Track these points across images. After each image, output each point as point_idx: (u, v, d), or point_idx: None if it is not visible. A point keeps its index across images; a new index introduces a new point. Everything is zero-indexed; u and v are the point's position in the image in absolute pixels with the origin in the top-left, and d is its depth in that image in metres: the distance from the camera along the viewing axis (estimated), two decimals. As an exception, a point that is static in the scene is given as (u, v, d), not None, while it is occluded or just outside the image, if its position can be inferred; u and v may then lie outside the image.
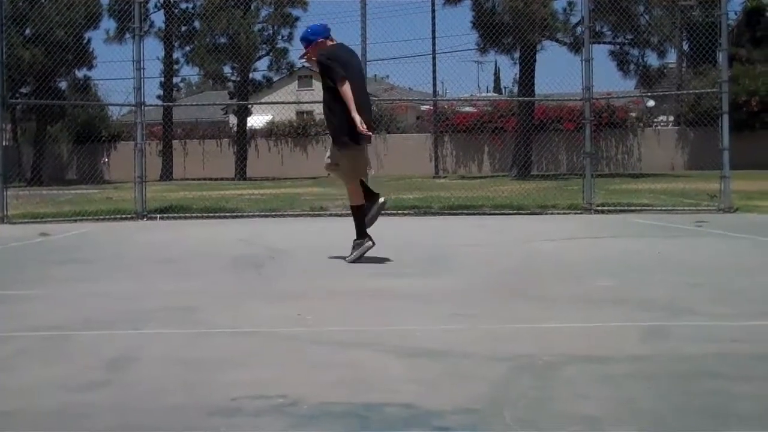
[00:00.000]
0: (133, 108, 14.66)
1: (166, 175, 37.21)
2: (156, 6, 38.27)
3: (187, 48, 38.56)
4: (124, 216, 14.11)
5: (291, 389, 3.58)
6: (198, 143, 41.13)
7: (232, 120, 42.07)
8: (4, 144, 13.79)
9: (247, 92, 37.37)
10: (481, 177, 30.42)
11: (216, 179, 33.52)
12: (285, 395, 3.49)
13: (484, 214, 14.21)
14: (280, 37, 37.94)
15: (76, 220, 13.72)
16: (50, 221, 13.54)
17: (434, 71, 34.72)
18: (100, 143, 37.80)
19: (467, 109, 38.23)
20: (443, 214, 14.22)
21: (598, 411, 3.27)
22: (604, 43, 29.40)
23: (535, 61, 29.33)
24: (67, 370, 4.02)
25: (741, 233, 10.41)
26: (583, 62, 14.33)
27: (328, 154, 8.23)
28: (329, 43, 8.18)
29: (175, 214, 14.45)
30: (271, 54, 38.10)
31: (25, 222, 13.49)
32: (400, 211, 14.26)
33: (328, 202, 15.40)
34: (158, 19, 37.94)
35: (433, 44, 35.02)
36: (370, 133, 7.90)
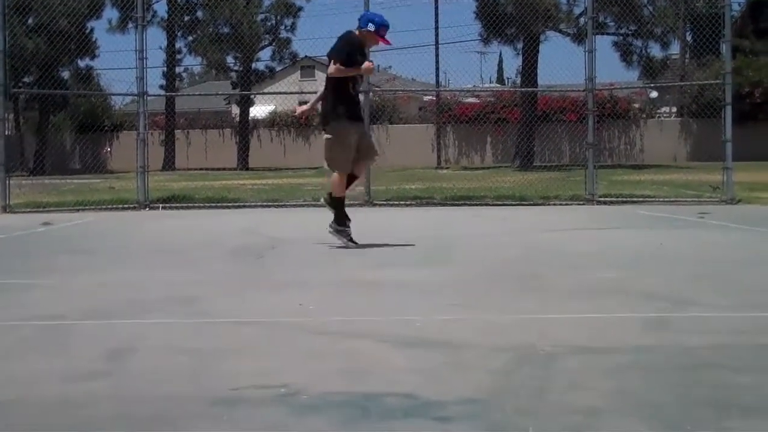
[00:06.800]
0: (136, 98, 14.65)
1: (169, 165, 37.15)
2: (158, -5, 38.23)
3: (190, 38, 38.44)
4: (126, 206, 14.11)
5: (292, 379, 3.59)
6: (200, 133, 41.07)
7: (235, 110, 42.00)
8: (6, 134, 13.78)
9: (249, 82, 37.32)
10: (483, 168, 30.36)
11: (218, 169, 33.47)
12: (286, 385, 3.50)
13: (487, 205, 14.19)
14: (282, 27, 37.86)
15: (78, 210, 13.72)
16: (53, 210, 13.54)
17: (437, 62, 34.70)
18: (103, 133, 37.74)
19: (470, 99, 38.16)
20: (445, 205, 14.20)
21: (600, 402, 3.28)
22: (608, 34, 29.34)
23: (538, 51, 29.29)
24: (69, 360, 4.03)
25: (743, 225, 10.40)
26: (587, 53, 14.32)
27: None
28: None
29: (178, 204, 14.45)
30: (273, 44, 38.02)
31: (28, 211, 13.51)
32: (402, 202, 14.26)
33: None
34: (161, 8, 37.71)
35: (436, 35, 34.99)
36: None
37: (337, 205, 8.28)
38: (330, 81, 8.25)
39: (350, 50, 8.19)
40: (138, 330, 4.69)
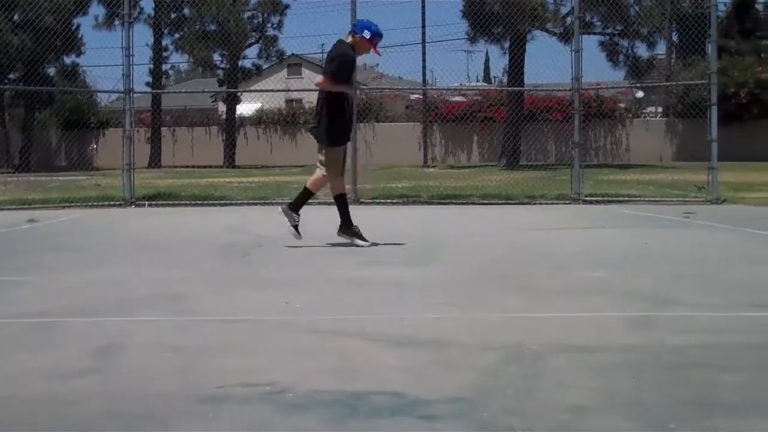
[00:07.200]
0: (122, 95, 14.60)
1: (155, 162, 37.05)
2: (145, -8, 38.08)
3: (177, 35, 38.34)
4: (112, 203, 14.07)
5: (279, 377, 3.59)
6: (187, 131, 40.98)
7: (221, 107, 41.94)
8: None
9: (236, 80, 37.24)
10: (469, 166, 30.41)
11: (205, 167, 33.39)
12: (273, 383, 3.50)
13: (473, 203, 14.20)
14: (269, 25, 37.82)
15: (64, 207, 13.68)
16: (38, 207, 13.50)
17: (424, 60, 34.74)
18: (89, 130, 37.61)
19: (457, 98, 38.20)
20: (432, 204, 14.21)
21: (586, 400, 3.29)
22: (594, 33, 29.39)
23: (524, 51, 29.31)
24: (56, 357, 4.02)
25: (728, 225, 10.44)
26: (573, 52, 14.36)
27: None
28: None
29: (164, 202, 14.41)
30: (260, 41, 37.97)
31: (13, 208, 13.45)
32: (388, 200, 14.26)
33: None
34: (148, 5, 37.53)
35: (423, 33, 35.04)
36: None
37: (305, 194, 8.40)
38: (326, 98, 8.17)
39: (345, 68, 8.19)
40: (125, 327, 4.68)
